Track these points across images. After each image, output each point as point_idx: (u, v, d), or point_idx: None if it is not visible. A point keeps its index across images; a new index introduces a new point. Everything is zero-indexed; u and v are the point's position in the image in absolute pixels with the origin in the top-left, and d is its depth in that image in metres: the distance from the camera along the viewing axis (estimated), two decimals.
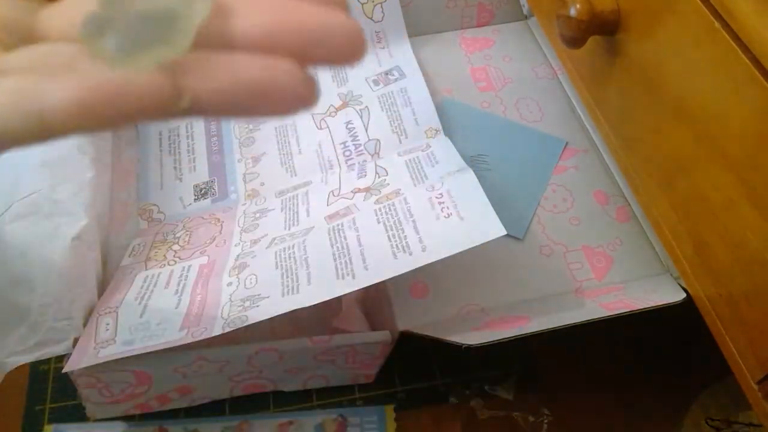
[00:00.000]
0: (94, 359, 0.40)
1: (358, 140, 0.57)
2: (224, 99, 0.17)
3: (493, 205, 0.42)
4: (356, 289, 0.40)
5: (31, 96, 0.16)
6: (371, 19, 0.63)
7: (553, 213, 0.52)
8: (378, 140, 0.57)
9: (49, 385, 0.50)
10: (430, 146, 0.54)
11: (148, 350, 0.39)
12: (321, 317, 0.49)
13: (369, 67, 0.62)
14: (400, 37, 0.64)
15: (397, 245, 0.42)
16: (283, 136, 0.59)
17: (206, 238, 0.51)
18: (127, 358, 0.40)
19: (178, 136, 0.60)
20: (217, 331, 0.39)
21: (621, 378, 0.51)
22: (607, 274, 0.49)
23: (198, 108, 0.17)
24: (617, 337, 0.52)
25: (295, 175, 0.56)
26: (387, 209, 0.46)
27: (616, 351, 0.52)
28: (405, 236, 0.42)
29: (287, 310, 0.39)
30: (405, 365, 0.51)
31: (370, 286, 0.40)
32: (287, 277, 0.42)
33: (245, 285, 0.43)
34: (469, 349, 0.40)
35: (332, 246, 0.43)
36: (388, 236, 0.43)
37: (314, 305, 0.39)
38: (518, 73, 0.63)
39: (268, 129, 0.60)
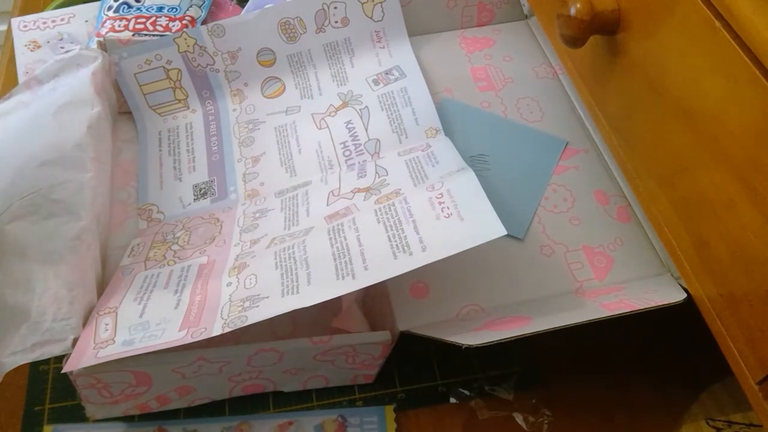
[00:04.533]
0: (93, 359, 0.40)
1: (358, 140, 0.57)
2: None
3: (493, 205, 0.42)
4: (356, 289, 0.40)
5: None
6: (371, 18, 0.63)
7: (553, 213, 0.52)
8: (378, 140, 0.57)
9: (48, 386, 0.50)
10: (430, 146, 0.54)
11: (148, 350, 0.39)
12: (321, 317, 0.49)
13: (369, 67, 0.62)
14: (400, 37, 0.63)
15: (397, 245, 0.41)
16: (282, 136, 0.59)
17: (206, 238, 0.51)
18: (126, 358, 0.40)
19: (178, 136, 0.60)
20: (216, 332, 0.39)
21: (621, 378, 0.51)
22: (608, 274, 0.49)
23: None
24: (617, 337, 0.52)
25: (295, 175, 0.56)
26: (387, 209, 0.45)
27: (617, 351, 0.52)
28: (405, 236, 0.42)
29: (287, 310, 0.39)
30: (405, 365, 0.51)
31: (370, 286, 0.40)
32: (287, 277, 0.42)
33: (245, 285, 0.43)
34: (469, 349, 0.40)
35: (332, 246, 0.43)
36: (388, 236, 0.43)
37: (314, 305, 0.39)
38: (518, 72, 0.63)
39: (267, 129, 0.60)
